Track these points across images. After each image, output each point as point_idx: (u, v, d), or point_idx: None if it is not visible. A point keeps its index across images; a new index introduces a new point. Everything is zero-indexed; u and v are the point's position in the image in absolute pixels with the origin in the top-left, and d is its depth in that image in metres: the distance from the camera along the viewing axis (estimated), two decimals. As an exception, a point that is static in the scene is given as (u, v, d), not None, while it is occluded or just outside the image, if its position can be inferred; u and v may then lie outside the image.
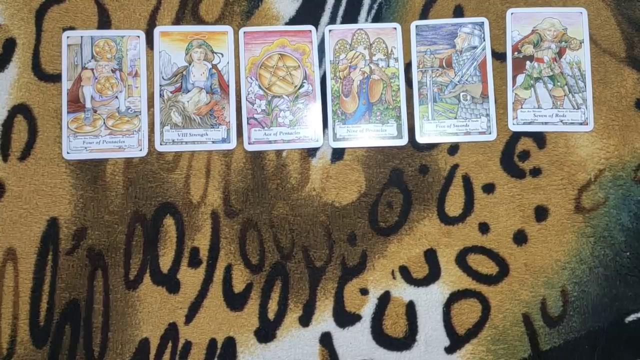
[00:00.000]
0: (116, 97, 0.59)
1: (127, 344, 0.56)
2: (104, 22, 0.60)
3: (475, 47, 0.60)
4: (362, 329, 0.57)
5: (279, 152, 0.59)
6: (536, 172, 0.59)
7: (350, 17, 0.61)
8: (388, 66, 0.60)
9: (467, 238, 0.58)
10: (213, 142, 0.58)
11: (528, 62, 0.60)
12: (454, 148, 0.59)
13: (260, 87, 0.59)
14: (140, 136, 0.58)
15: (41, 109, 0.58)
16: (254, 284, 0.57)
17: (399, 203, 0.58)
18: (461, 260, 0.58)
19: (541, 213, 0.58)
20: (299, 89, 0.59)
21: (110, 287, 0.57)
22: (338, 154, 0.59)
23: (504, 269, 0.58)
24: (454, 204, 0.58)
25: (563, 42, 0.61)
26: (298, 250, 0.58)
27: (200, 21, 0.60)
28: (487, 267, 0.58)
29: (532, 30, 0.61)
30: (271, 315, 0.57)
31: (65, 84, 0.59)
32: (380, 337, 0.57)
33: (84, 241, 0.57)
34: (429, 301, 0.57)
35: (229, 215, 0.58)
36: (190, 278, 0.57)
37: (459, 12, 0.61)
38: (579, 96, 0.60)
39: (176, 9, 0.60)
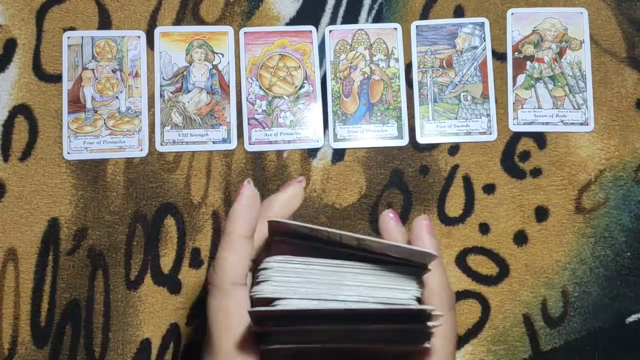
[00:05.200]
0: (117, 97, 0.59)
1: (129, 344, 0.56)
2: (105, 22, 0.60)
3: (475, 48, 0.60)
4: (363, 329, 0.57)
5: (279, 153, 0.59)
6: (536, 172, 0.59)
7: (351, 17, 0.61)
8: (388, 66, 0.60)
9: (467, 239, 0.58)
10: (214, 142, 0.58)
11: (528, 62, 0.60)
12: (454, 148, 0.59)
13: (260, 87, 0.59)
14: (141, 136, 0.58)
15: (42, 109, 0.58)
16: (254, 284, 0.57)
17: (399, 204, 0.58)
18: (461, 261, 0.58)
19: (541, 213, 0.59)
20: (299, 89, 0.59)
21: (111, 287, 0.57)
22: (339, 155, 0.59)
23: (504, 270, 0.58)
24: (454, 205, 0.59)
25: (563, 42, 0.61)
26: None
27: (201, 22, 0.60)
28: (487, 267, 0.58)
29: (533, 31, 0.61)
30: (272, 315, 0.57)
31: (66, 85, 0.59)
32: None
33: (84, 241, 0.57)
34: (430, 301, 0.57)
35: (229, 216, 0.58)
36: (192, 279, 0.57)
37: (459, 12, 0.61)
38: (579, 96, 0.60)
39: (177, 9, 0.60)
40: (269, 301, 0.34)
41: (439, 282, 0.39)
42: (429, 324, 0.34)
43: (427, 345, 0.35)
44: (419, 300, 0.36)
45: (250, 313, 0.33)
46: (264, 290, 0.34)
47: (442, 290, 0.39)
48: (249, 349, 0.35)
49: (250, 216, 0.38)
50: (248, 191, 0.39)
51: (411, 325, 0.35)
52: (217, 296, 0.36)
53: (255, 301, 0.35)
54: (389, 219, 0.42)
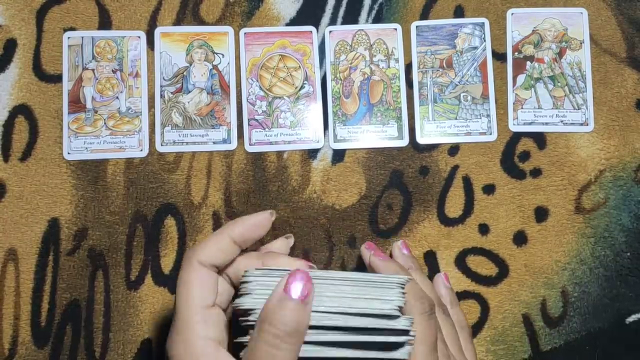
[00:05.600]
0: (117, 97, 0.59)
1: (129, 345, 0.56)
2: (105, 22, 0.60)
3: (475, 48, 0.60)
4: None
5: (279, 154, 0.59)
6: (536, 172, 0.59)
7: (351, 18, 0.61)
8: (388, 67, 0.60)
9: (467, 239, 0.58)
10: (214, 142, 0.58)
11: (528, 63, 0.60)
12: (454, 149, 0.59)
13: (261, 88, 0.59)
14: (141, 137, 0.58)
15: (42, 109, 0.58)
16: (254, 284, 0.58)
17: (399, 205, 0.58)
18: (460, 261, 0.58)
19: (541, 214, 0.59)
20: (299, 90, 0.59)
21: (112, 287, 0.57)
22: (339, 156, 0.59)
23: (503, 270, 0.58)
24: (454, 205, 0.59)
25: (563, 43, 0.61)
26: (298, 253, 0.58)
27: (201, 22, 0.60)
28: (486, 268, 0.58)
29: (533, 31, 0.61)
30: (272, 315, 0.57)
31: (66, 85, 0.59)
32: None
33: (84, 241, 0.57)
34: (429, 302, 0.58)
35: (230, 217, 0.58)
36: (191, 279, 0.57)
37: (459, 12, 0.61)
38: (579, 96, 0.60)
39: (177, 9, 0.60)
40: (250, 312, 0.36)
41: (411, 292, 0.41)
42: (395, 339, 0.35)
43: (400, 356, 0.36)
44: (402, 309, 0.37)
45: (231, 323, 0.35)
46: (245, 302, 0.36)
47: (414, 299, 0.41)
48: (206, 324, 0.38)
49: (248, 230, 0.41)
50: (264, 216, 0.43)
51: (384, 336, 0.36)
52: (184, 268, 0.40)
53: (237, 313, 0.37)
54: (365, 252, 0.50)
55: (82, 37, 0.59)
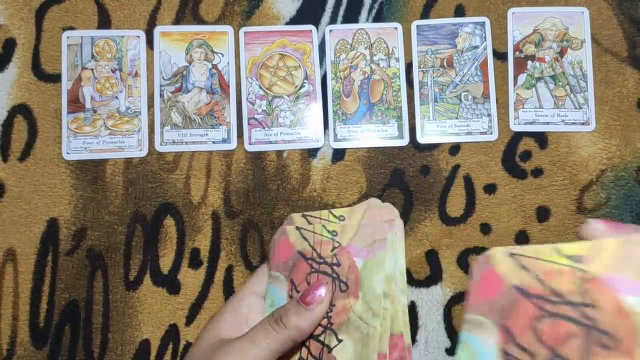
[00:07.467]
0: (116, 97, 0.59)
1: (127, 345, 0.56)
2: (104, 22, 0.60)
3: (476, 47, 0.60)
4: (363, 330, 0.57)
5: (279, 153, 0.59)
6: (538, 172, 0.59)
7: (351, 16, 0.60)
8: (389, 66, 0.60)
9: (469, 239, 0.58)
10: (213, 142, 0.58)
11: (529, 62, 0.60)
12: (455, 148, 0.59)
13: (260, 87, 0.59)
14: (140, 136, 0.58)
15: (41, 109, 0.58)
16: (254, 284, 0.57)
17: (400, 204, 0.58)
18: (462, 261, 0.58)
19: (543, 213, 0.58)
20: (299, 89, 0.59)
21: (110, 287, 0.57)
22: (339, 155, 0.59)
23: (505, 270, 0.58)
24: (456, 205, 0.58)
25: (564, 42, 0.60)
26: (299, 251, 0.57)
27: (201, 21, 0.60)
28: (488, 267, 0.58)
29: (534, 30, 0.61)
30: (272, 316, 0.57)
31: (65, 84, 0.58)
32: (381, 338, 0.57)
33: (83, 242, 0.57)
34: (430, 302, 0.57)
35: (229, 216, 0.58)
36: (191, 279, 0.57)
37: (460, 11, 0.61)
38: (580, 96, 0.60)
39: (176, 8, 0.60)
40: None
41: None
42: None
43: None
44: None
45: None
46: None
47: None
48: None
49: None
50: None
51: None
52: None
53: None
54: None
55: (82, 37, 0.59)
